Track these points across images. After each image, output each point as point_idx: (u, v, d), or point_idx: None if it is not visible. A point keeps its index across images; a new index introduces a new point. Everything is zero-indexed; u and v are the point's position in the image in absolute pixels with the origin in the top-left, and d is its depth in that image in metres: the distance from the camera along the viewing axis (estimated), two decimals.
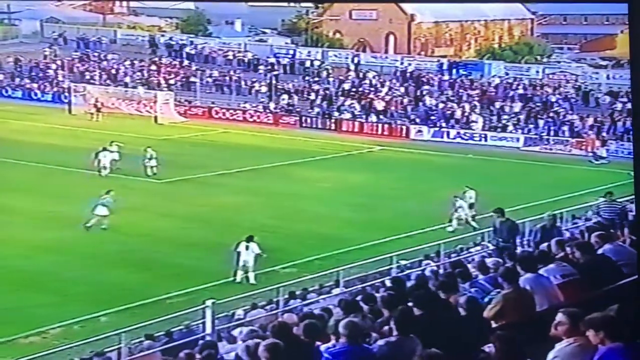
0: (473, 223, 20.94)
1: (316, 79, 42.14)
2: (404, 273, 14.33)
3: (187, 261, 18.56)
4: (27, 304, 15.81)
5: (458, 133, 35.73)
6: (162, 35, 49.63)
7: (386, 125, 36.95)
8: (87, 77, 43.81)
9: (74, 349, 12.65)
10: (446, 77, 40.77)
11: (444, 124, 36.37)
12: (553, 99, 37.35)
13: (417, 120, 37.10)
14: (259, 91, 41.45)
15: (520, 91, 38.52)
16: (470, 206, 21.78)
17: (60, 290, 16.73)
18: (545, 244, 9.14)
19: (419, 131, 36.15)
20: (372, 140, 34.95)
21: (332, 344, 5.99)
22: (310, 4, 51.75)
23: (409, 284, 9.84)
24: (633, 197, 7.53)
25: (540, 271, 7.06)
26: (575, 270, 7.14)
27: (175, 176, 26.71)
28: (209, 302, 13.02)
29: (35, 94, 43.26)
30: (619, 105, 34.82)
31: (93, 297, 16.22)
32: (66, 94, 41.19)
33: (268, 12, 52.61)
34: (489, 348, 5.47)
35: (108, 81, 43.15)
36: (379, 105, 38.43)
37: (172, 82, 42.93)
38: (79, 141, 31.19)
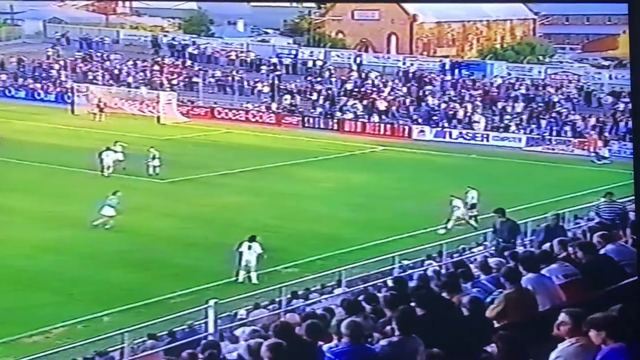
0: (472, 222, 20.96)
1: (318, 79, 42.15)
2: (406, 273, 14.34)
3: (189, 261, 18.59)
4: (30, 304, 15.84)
5: (460, 133, 35.72)
6: (165, 36, 49.68)
7: (388, 126, 36.96)
8: (90, 77, 43.88)
9: (77, 348, 12.68)
10: (448, 77, 40.76)
11: (446, 124, 36.37)
12: (555, 99, 37.34)
13: (420, 120, 37.10)
14: (262, 91, 41.47)
15: (523, 91, 38.50)
16: (473, 206, 21.78)
17: (63, 290, 16.77)
18: (548, 244, 9.15)
19: (422, 131, 36.15)
20: (375, 140, 34.96)
21: (334, 344, 6.01)
22: (312, 4, 51.78)
23: (411, 284, 9.86)
24: (633, 197, 7.52)
25: (543, 271, 7.07)
26: (578, 270, 7.14)
27: (178, 176, 26.75)
28: (211, 302, 13.03)
29: (38, 94, 43.33)
30: (621, 106, 34.79)
31: (96, 297, 16.26)
32: (69, 94, 41.27)
33: (270, 12, 52.64)
34: (491, 348, 5.48)
35: (111, 81, 43.21)
36: (382, 105, 38.44)
37: (174, 82, 42.98)
38: (81, 141, 31.25)
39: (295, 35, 51.70)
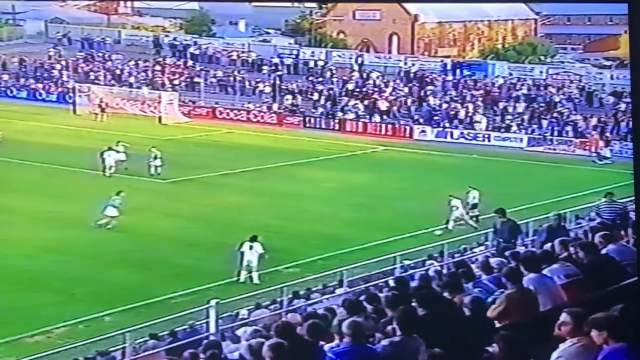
0: (471, 222, 20.96)
1: (320, 79, 42.16)
2: (408, 273, 14.34)
3: (191, 261, 18.60)
4: (32, 304, 15.86)
5: (462, 133, 35.72)
6: (166, 36, 49.72)
7: (390, 126, 36.96)
8: (92, 77, 43.91)
9: (79, 348, 12.68)
10: (450, 78, 40.75)
11: (447, 124, 36.37)
12: (557, 99, 37.32)
13: (421, 120, 37.10)
14: (263, 91, 41.48)
15: (524, 91, 38.49)
16: (474, 206, 21.79)
17: (64, 290, 16.79)
18: (549, 244, 9.15)
19: (423, 131, 36.15)
20: (376, 140, 34.96)
21: (335, 344, 6.01)
22: (314, 5, 51.79)
23: (412, 284, 9.86)
24: (634, 197, 7.52)
25: (544, 271, 7.07)
26: (579, 271, 7.14)
27: (180, 176, 26.77)
28: (212, 302, 13.05)
29: (40, 94, 43.37)
30: (622, 106, 34.76)
31: (98, 297, 16.27)
32: (71, 94, 41.31)
33: (272, 12, 52.64)
34: (492, 348, 5.48)
35: (112, 81, 43.24)
36: (383, 105, 38.44)
37: (176, 82, 43.01)
38: (83, 141, 31.27)
39: (297, 36, 51.72)
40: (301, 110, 39.33)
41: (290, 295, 14.22)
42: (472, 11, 49.71)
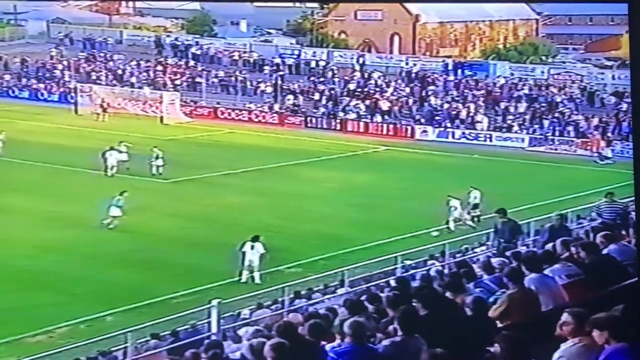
0: (469, 222, 20.95)
1: (321, 79, 42.16)
2: (409, 273, 14.35)
3: (192, 261, 18.61)
4: (34, 304, 15.88)
5: (463, 133, 35.72)
6: (168, 36, 49.73)
7: (391, 126, 36.96)
8: (94, 77, 43.93)
9: (81, 348, 12.68)
10: (451, 78, 40.75)
11: (449, 124, 36.36)
12: (558, 99, 37.31)
13: (422, 120, 37.10)
14: (265, 91, 41.49)
15: (526, 91, 38.47)
16: (475, 206, 21.80)
17: (66, 290, 16.81)
18: (551, 244, 9.15)
19: (424, 131, 36.15)
20: (377, 140, 34.96)
21: (337, 344, 6.02)
22: (315, 5, 51.79)
23: (413, 284, 9.87)
24: (634, 197, 7.53)
25: (546, 271, 7.07)
26: (581, 271, 7.14)
27: (181, 176, 26.78)
28: (214, 302, 13.07)
29: (42, 94, 43.41)
30: (624, 106, 34.73)
31: (99, 297, 16.29)
32: (72, 94, 41.33)
33: (273, 12, 52.62)
34: (494, 348, 5.49)
35: (114, 81, 43.26)
36: (384, 105, 38.44)
37: (177, 82, 43.03)
38: (85, 141, 31.29)
39: (298, 36, 51.71)
40: (303, 110, 39.34)
41: (291, 295, 14.23)
42: (473, 11, 49.69)
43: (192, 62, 45.19)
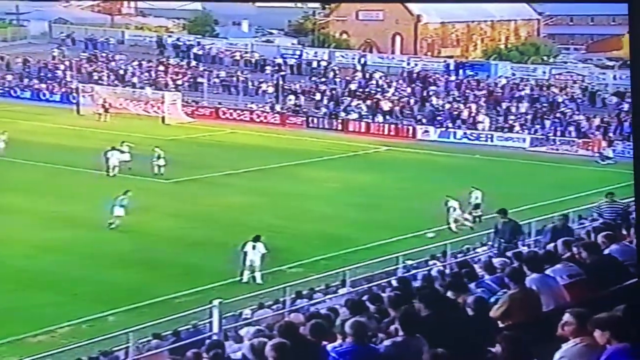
0: (467, 223, 20.93)
1: (323, 79, 42.17)
2: (410, 273, 14.35)
3: (194, 261, 18.63)
4: (35, 303, 15.90)
5: (464, 133, 35.71)
6: (170, 36, 49.77)
7: (393, 126, 36.95)
8: (95, 77, 43.97)
9: (82, 348, 12.70)
10: (453, 78, 40.75)
11: (450, 125, 36.35)
12: (559, 99, 37.30)
13: (424, 120, 37.09)
14: (266, 92, 41.50)
15: (527, 92, 38.46)
16: (477, 206, 21.79)
17: (67, 290, 16.83)
18: (552, 244, 9.16)
19: (426, 131, 36.14)
20: (379, 140, 34.96)
21: (338, 344, 6.02)
22: (317, 5, 51.80)
23: (415, 284, 9.87)
24: (634, 197, 7.53)
25: (547, 271, 7.07)
26: (582, 271, 7.14)
27: (183, 176, 26.80)
28: (216, 302, 13.07)
29: (44, 95, 43.45)
30: (625, 106, 34.70)
31: (101, 297, 16.30)
32: (74, 94, 41.36)
33: (275, 12, 52.63)
34: (495, 348, 5.49)
35: (116, 82, 43.30)
36: (386, 105, 38.44)
37: (179, 82, 43.05)
38: (87, 141, 31.32)
39: (300, 36, 51.72)
40: (304, 110, 39.35)
41: (293, 295, 14.23)
42: (475, 11, 49.67)
43: (193, 63, 45.21)
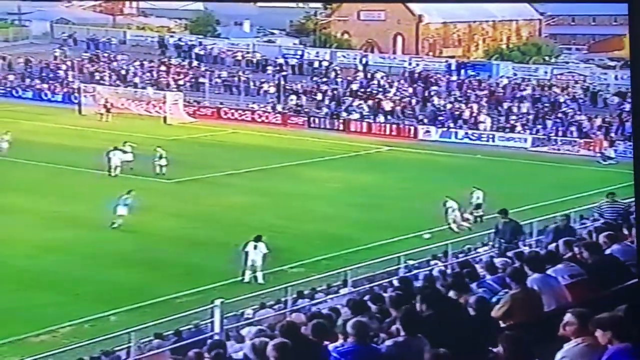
0: (465, 224, 20.89)
1: (324, 79, 42.17)
2: (412, 273, 14.35)
3: (195, 261, 18.64)
4: (37, 303, 15.92)
5: (466, 133, 35.70)
6: (171, 36, 49.79)
7: (394, 126, 36.95)
8: (97, 77, 44.00)
9: (84, 347, 12.72)
10: (454, 78, 40.73)
11: (452, 125, 36.35)
12: (561, 99, 37.28)
13: (425, 120, 37.09)
14: (268, 92, 41.52)
15: (529, 92, 38.44)
16: (478, 206, 21.79)
17: (69, 290, 16.84)
18: (554, 244, 9.16)
19: (427, 131, 36.14)
20: (380, 140, 34.96)
21: (340, 344, 6.02)
22: (318, 5, 51.81)
23: (416, 284, 9.87)
24: (634, 197, 7.53)
25: (548, 271, 7.07)
26: (584, 271, 7.15)
27: (184, 176, 26.82)
28: (217, 302, 13.07)
29: (46, 95, 43.48)
30: (627, 106, 34.65)
31: (102, 297, 16.31)
32: (76, 94, 41.39)
33: (276, 13, 52.65)
34: (497, 348, 5.49)
35: (118, 82, 43.32)
36: (387, 105, 38.44)
37: (181, 82, 43.07)
38: (88, 141, 31.35)
39: (301, 36, 51.72)
40: (306, 110, 39.36)
41: (294, 295, 14.24)
42: (476, 11, 49.65)
43: (195, 63, 45.23)
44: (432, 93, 39.14)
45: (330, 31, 50.08)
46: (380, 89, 40.19)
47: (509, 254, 11.04)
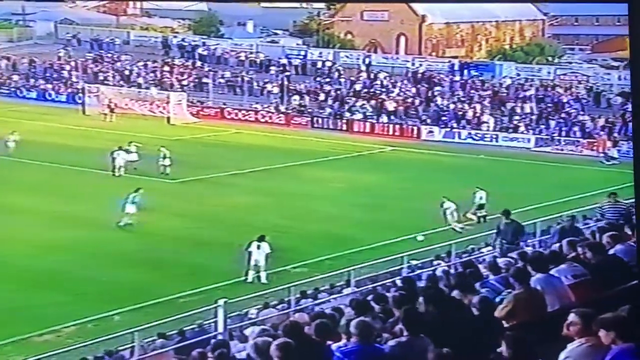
0: (460, 225, 20.84)
1: (327, 79, 42.19)
2: (415, 273, 14.36)
3: (199, 260, 18.67)
4: (41, 303, 15.95)
5: (469, 134, 35.69)
6: (175, 37, 49.85)
7: (397, 126, 36.95)
8: (101, 78, 44.07)
9: (88, 347, 12.72)
10: (457, 78, 40.71)
11: (455, 125, 36.33)
12: (564, 99, 37.24)
13: (428, 120, 37.08)
14: (271, 92, 41.54)
15: (532, 92, 38.41)
16: (481, 207, 21.78)
17: (73, 289, 16.88)
18: (557, 244, 9.16)
19: (430, 132, 36.13)
20: (383, 140, 34.96)
21: (343, 343, 6.04)
22: (321, 5, 51.82)
23: (420, 284, 9.88)
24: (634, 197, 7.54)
25: (552, 271, 7.08)
26: (587, 271, 7.15)
27: (188, 176, 26.85)
28: (221, 302, 13.06)
29: (50, 95, 43.57)
30: (630, 106, 34.62)
31: (106, 296, 16.34)
32: (80, 94, 41.47)
33: (280, 13, 52.70)
34: (500, 348, 5.50)
35: (121, 82, 43.38)
36: (390, 105, 38.44)
37: (184, 82, 43.13)
38: (92, 142, 31.40)
39: (305, 36, 51.74)
40: (309, 110, 39.38)
41: (297, 295, 14.24)
42: (479, 12, 49.62)
43: (199, 63, 45.27)
44: (435, 93, 39.13)
45: (333, 31, 50.10)
46: (384, 89, 40.19)
47: (513, 254, 11.01)
